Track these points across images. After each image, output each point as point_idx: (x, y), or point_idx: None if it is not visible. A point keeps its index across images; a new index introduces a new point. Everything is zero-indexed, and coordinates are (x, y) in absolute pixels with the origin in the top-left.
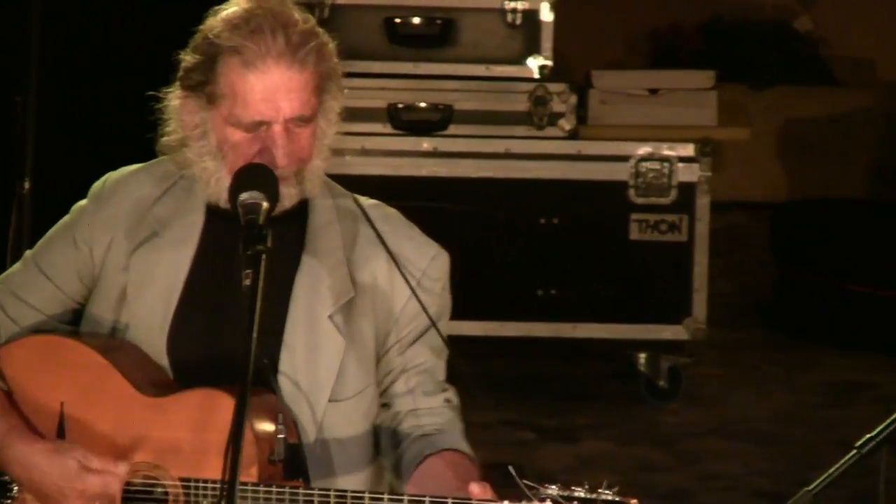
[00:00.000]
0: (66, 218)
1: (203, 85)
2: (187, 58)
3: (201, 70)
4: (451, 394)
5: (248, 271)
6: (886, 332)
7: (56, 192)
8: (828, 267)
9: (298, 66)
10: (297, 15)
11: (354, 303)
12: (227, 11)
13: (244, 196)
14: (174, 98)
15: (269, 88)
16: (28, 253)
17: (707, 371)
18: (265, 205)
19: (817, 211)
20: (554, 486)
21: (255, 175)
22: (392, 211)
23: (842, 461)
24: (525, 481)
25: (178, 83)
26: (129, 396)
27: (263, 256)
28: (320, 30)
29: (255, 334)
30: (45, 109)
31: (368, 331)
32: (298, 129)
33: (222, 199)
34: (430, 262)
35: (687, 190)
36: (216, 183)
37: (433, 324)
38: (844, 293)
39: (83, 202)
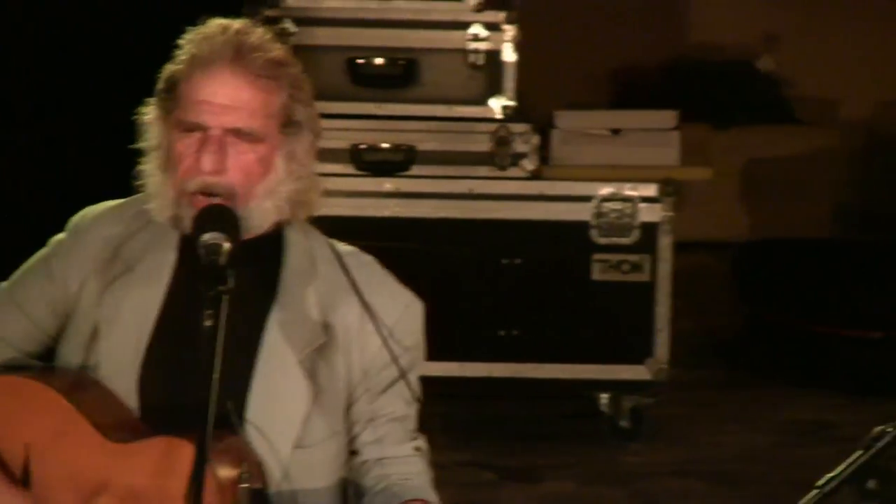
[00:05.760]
0: (43, 250)
1: (165, 95)
2: (162, 72)
3: (166, 80)
4: (421, 442)
5: (210, 312)
6: (848, 371)
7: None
8: (790, 307)
9: (249, 77)
10: (269, 43)
11: (325, 349)
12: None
13: (206, 237)
14: (149, 115)
15: (213, 91)
16: (3, 285)
17: (669, 411)
18: (227, 245)
19: (780, 250)
20: None
21: (217, 215)
22: (368, 258)
23: (803, 500)
24: None
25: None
26: (94, 441)
27: (225, 298)
28: (299, 71)
29: (216, 376)
30: None
31: (339, 377)
32: (241, 146)
33: (165, 216)
34: (403, 310)
35: (649, 230)
36: (161, 197)
37: (403, 375)
38: (806, 333)
39: (61, 235)
